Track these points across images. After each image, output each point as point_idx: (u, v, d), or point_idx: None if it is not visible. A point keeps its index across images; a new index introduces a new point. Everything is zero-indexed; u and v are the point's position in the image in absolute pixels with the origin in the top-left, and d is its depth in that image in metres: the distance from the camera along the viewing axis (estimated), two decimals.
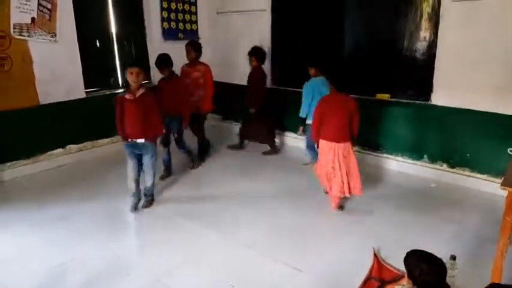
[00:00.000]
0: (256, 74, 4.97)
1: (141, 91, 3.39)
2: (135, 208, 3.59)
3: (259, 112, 5.00)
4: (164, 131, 3.96)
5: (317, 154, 3.76)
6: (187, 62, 4.63)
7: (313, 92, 4.13)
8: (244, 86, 5.09)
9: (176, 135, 4.34)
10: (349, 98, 3.49)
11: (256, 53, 4.96)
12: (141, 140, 3.44)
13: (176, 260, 2.88)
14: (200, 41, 6.03)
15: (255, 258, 2.87)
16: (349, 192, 3.45)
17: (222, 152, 5.24)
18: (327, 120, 3.44)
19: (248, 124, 5.19)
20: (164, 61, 4.11)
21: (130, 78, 3.34)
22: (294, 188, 4.09)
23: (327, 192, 3.68)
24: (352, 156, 3.48)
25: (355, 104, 3.46)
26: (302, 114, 4.31)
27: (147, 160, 3.56)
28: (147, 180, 3.65)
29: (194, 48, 4.54)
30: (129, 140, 3.45)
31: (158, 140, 3.79)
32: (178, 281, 2.64)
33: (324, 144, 3.49)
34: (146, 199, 3.70)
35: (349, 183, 3.44)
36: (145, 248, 3.12)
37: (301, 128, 4.43)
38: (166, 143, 4.30)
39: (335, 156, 3.42)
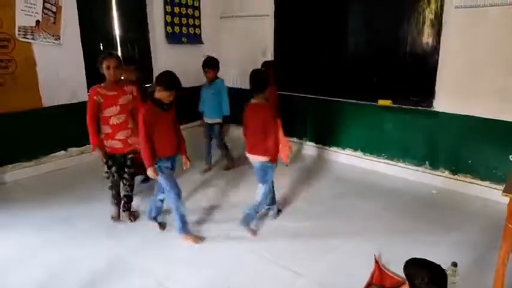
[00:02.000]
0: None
1: None
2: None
3: None
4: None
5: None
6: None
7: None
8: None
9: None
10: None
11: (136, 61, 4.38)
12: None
13: (176, 263, 2.88)
14: (203, 45, 6.08)
15: (256, 262, 2.87)
16: None
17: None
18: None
19: None
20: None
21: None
22: (294, 192, 4.10)
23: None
24: None
25: None
26: (228, 112, 4.43)
27: None
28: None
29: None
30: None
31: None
32: (179, 284, 2.64)
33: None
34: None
35: None
36: (147, 250, 3.11)
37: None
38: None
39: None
